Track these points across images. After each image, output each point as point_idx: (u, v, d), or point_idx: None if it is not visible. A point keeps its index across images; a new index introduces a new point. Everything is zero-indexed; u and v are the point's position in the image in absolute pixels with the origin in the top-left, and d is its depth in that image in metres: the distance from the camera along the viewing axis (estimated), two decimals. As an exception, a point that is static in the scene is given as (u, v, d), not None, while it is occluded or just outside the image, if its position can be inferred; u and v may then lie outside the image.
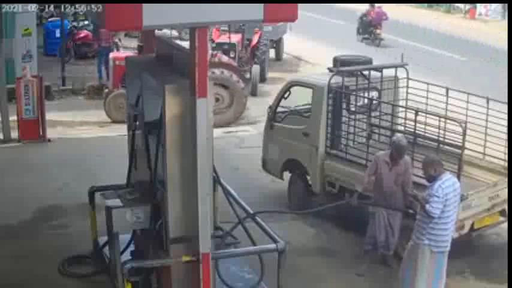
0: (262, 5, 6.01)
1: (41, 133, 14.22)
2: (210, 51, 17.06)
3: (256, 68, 19.44)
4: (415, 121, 9.40)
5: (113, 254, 7.55)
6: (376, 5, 26.71)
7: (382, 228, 8.89)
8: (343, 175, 9.99)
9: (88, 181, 9.73)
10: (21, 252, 9.19)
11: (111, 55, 17.32)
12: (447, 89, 10.22)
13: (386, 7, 26.98)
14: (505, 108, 9.66)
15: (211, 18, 6.08)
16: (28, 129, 14.06)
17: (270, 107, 11.32)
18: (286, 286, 7.28)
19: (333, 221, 10.32)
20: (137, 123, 7.52)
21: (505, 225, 9.48)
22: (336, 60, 10.92)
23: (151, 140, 7.20)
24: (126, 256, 7.64)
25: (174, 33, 20.08)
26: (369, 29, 26.31)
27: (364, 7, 26.99)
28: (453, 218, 7.89)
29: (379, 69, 10.63)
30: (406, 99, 10.54)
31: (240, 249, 7.89)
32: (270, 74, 20.82)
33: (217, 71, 16.24)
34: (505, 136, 9.48)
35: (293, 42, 24.16)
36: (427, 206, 7.65)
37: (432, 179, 7.72)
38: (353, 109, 10.33)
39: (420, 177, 8.40)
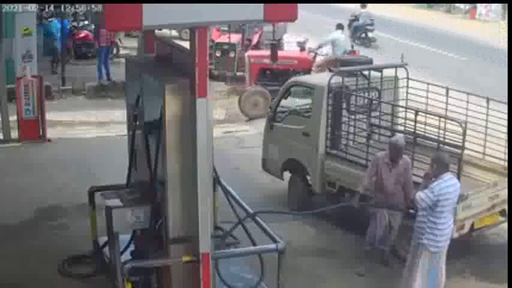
0: (262, 5, 6.01)
1: (41, 133, 14.23)
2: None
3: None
4: (415, 121, 9.40)
5: (113, 254, 7.55)
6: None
7: (382, 228, 8.90)
8: (343, 175, 9.98)
9: (88, 181, 9.72)
10: (21, 252, 9.18)
11: (247, 53, 17.95)
12: (447, 89, 10.22)
13: (386, 7, 27.00)
14: (505, 108, 9.66)
15: (211, 18, 6.07)
16: (28, 129, 14.07)
17: (270, 107, 11.32)
18: (286, 286, 7.28)
19: (333, 221, 10.33)
20: (137, 123, 7.52)
21: (505, 225, 9.48)
22: (336, 61, 10.91)
23: (151, 140, 7.20)
24: (126, 256, 7.63)
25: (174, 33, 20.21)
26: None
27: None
28: (451, 218, 7.91)
29: (379, 69, 10.64)
30: (406, 99, 10.55)
31: (240, 249, 7.89)
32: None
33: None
34: (505, 136, 9.48)
35: (293, 42, 24.11)
36: (418, 193, 7.72)
37: (434, 175, 7.77)
38: (353, 109, 10.33)
39: (420, 177, 8.41)
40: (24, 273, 8.66)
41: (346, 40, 17.65)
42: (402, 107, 10.43)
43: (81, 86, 19.13)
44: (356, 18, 26.13)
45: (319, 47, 17.31)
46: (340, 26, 18.15)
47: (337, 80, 10.14)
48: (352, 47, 17.48)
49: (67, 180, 11.72)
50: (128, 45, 23.00)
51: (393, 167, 8.77)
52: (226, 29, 19.73)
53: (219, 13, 5.98)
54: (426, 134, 9.78)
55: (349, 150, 10.08)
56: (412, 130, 9.58)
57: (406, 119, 10.37)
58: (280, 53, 16.80)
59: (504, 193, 9.13)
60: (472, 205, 8.83)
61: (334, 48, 17.22)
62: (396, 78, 10.76)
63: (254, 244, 7.59)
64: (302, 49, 17.52)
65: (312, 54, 17.05)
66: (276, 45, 16.84)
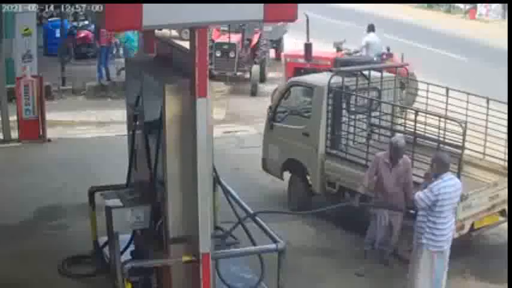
0: (262, 5, 6.02)
1: (41, 133, 14.22)
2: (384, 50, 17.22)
3: (256, 68, 19.45)
4: (415, 121, 9.40)
5: (113, 254, 7.55)
6: None
7: (382, 228, 8.90)
8: (343, 175, 9.98)
9: (88, 181, 9.72)
10: (21, 252, 9.18)
11: (284, 53, 18.47)
12: (447, 89, 10.22)
13: (386, 7, 26.98)
14: (505, 108, 9.66)
15: (211, 18, 6.08)
16: (28, 129, 14.06)
17: (270, 107, 11.32)
18: (286, 286, 7.28)
19: (333, 221, 10.33)
20: (137, 123, 7.52)
21: (505, 225, 9.48)
22: (336, 61, 10.92)
23: (151, 140, 7.20)
24: (126, 256, 7.64)
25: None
26: None
27: (361, 7, 26.92)
28: (452, 218, 7.91)
29: (379, 69, 10.64)
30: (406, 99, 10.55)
31: (240, 249, 7.90)
32: (270, 74, 20.82)
33: None
34: (505, 136, 9.48)
35: (293, 42, 24.12)
36: (417, 193, 7.73)
37: (434, 175, 7.77)
38: (353, 109, 10.33)
39: (420, 177, 8.41)
40: (24, 273, 8.65)
41: (380, 42, 17.54)
42: (402, 107, 10.43)
43: (81, 86, 19.13)
44: None
45: (356, 51, 17.33)
46: (371, 28, 17.79)
47: (337, 80, 10.13)
48: (388, 49, 17.38)
49: (67, 180, 11.72)
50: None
51: (393, 167, 8.77)
52: (226, 29, 19.72)
53: (219, 13, 5.99)
54: (426, 134, 9.78)
55: (349, 150, 10.08)
56: (412, 130, 9.58)
57: (406, 119, 10.37)
58: (314, 53, 17.01)
59: (504, 193, 9.13)
60: (472, 205, 8.84)
61: (368, 51, 17.19)
62: (396, 78, 10.74)
63: (254, 244, 7.59)
64: (339, 50, 17.59)
65: (347, 56, 17.09)
66: (310, 45, 17.05)
